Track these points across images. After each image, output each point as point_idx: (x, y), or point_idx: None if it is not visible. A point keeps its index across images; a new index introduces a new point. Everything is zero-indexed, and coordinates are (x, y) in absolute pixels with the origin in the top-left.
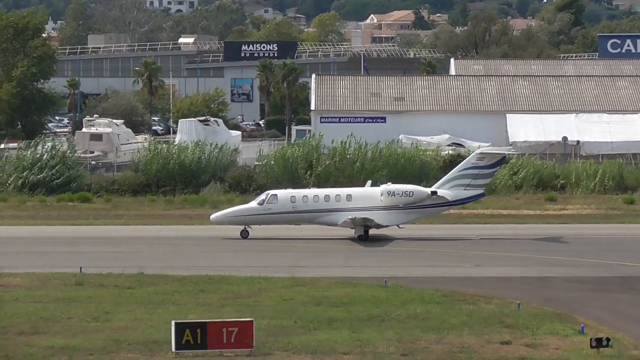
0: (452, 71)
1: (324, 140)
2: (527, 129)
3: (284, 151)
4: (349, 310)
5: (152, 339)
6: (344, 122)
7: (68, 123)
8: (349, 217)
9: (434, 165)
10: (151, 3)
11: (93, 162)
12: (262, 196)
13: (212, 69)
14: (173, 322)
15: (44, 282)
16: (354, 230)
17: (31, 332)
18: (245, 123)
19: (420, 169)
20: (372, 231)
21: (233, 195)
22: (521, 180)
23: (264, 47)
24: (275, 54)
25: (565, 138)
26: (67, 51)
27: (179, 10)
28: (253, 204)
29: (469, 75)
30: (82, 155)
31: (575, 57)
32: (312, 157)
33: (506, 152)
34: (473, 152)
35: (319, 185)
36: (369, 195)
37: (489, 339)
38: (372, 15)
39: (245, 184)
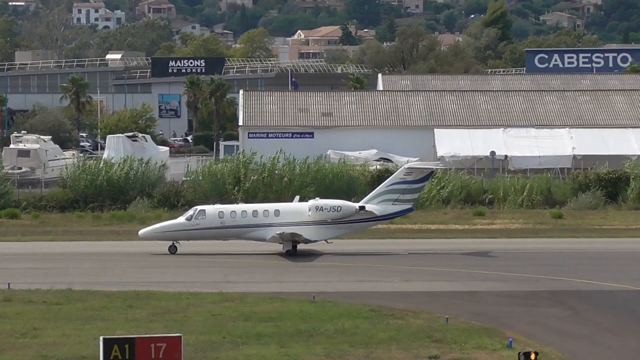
0: (380, 86)
1: (255, 156)
2: (455, 143)
3: (212, 167)
4: (277, 326)
5: (81, 355)
6: (272, 137)
7: None
8: (277, 232)
9: (362, 180)
10: (78, 20)
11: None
12: (190, 212)
13: (140, 85)
14: (101, 338)
15: None
16: (282, 245)
17: None
18: (173, 139)
19: (348, 184)
20: (300, 246)
21: (161, 210)
22: (449, 195)
23: (191, 62)
24: (203, 70)
25: (493, 153)
26: None
27: (106, 27)
28: (181, 219)
29: (397, 91)
30: (10, 171)
31: (503, 72)
32: (240, 172)
33: (434, 167)
34: (401, 167)
35: (247, 200)
36: (297, 211)
37: (417, 354)
38: (299, 31)
39: (174, 200)
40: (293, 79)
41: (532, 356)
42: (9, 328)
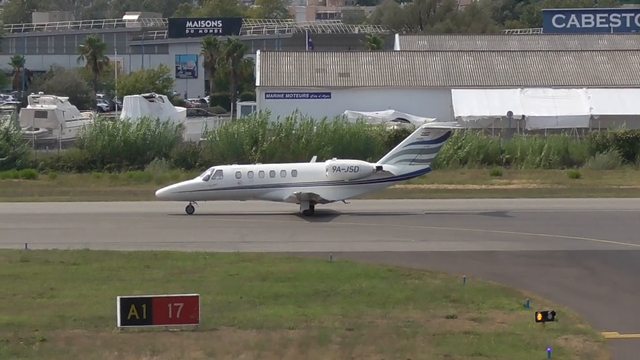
0: (397, 47)
1: (270, 116)
2: (472, 104)
3: (229, 127)
4: (294, 286)
5: (98, 315)
6: (289, 98)
7: (13, 100)
8: (295, 192)
9: (379, 141)
10: None
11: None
12: (208, 172)
13: (157, 45)
14: (118, 298)
15: None
16: (299, 205)
17: None
18: (190, 99)
19: (366, 144)
20: (317, 206)
21: (178, 171)
22: (466, 155)
23: (208, 23)
24: (220, 31)
25: (510, 113)
26: (11, 29)
27: None
28: (198, 179)
29: (414, 51)
30: (27, 132)
31: (520, 32)
32: (258, 133)
33: (451, 127)
34: (418, 127)
35: (264, 161)
36: (315, 171)
37: (435, 314)
38: None
39: (191, 160)
40: (310, 40)
41: (550, 316)
42: (27, 288)
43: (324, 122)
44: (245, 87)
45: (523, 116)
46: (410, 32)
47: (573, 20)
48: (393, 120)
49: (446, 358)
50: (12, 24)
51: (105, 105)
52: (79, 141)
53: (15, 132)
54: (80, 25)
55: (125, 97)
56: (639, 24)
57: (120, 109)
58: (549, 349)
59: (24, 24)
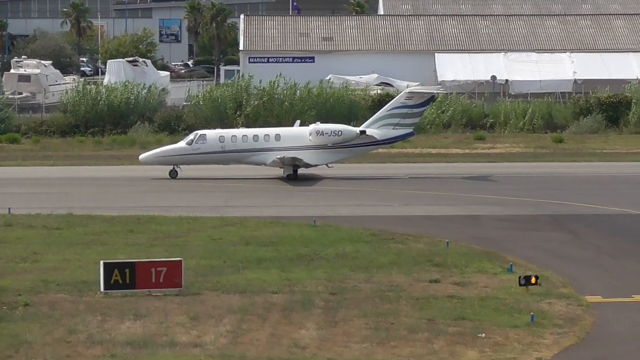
0: (381, 11)
1: (253, 80)
2: (456, 68)
3: (212, 91)
4: (278, 250)
5: (81, 279)
6: (272, 62)
7: None
8: (278, 156)
9: (363, 105)
10: None
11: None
12: (191, 136)
13: (141, 9)
14: (102, 262)
15: None
16: (282, 169)
17: None
18: (174, 64)
19: (349, 108)
20: (301, 171)
21: (162, 135)
22: (450, 119)
23: None
24: None
25: (494, 77)
26: None
27: None
28: (182, 144)
29: (398, 15)
30: (11, 96)
31: None
32: (241, 97)
33: (435, 92)
34: (402, 91)
35: (247, 125)
36: (298, 135)
37: (418, 278)
38: None
39: (174, 124)
40: (294, 3)
41: (533, 280)
42: (10, 253)
43: (307, 87)
44: (229, 52)
45: (507, 80)
46: None
47: None
48: (376, 85)
49: (429, 322)
50: None
51: (89, 69)
52: (63, 105)
53: None
54: None
55: (108, 61)
56: None
57: (103, 73)
58: (532, 315)
59: None
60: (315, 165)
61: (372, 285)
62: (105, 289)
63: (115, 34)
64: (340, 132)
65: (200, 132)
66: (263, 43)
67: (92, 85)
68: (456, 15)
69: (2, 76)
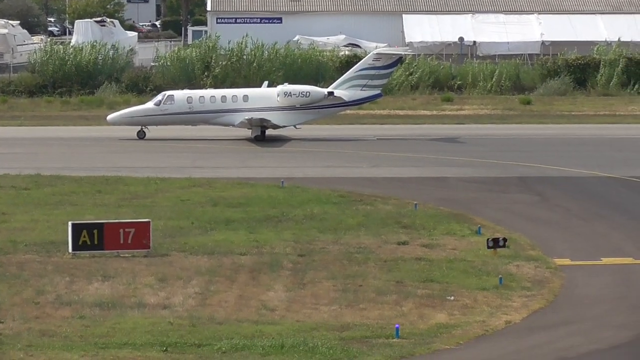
0: None
1: (221, 41)
2: (424, 29)
3: (180, 52)
4: (246, 211)
5: (49, 240)
6: (240, 22)
7: None
8: (246, 117)
9: (331, 66)
10: None
11: None
12: (159, 97)
13: None
14: (70, 223)
15: None
16: (250, 130)
17: None
18: (141, 24)
19: (317, 69)
20: (268, 132)
21: (130, 95)
22: (417, 81)
23: None
24: None
25: (461, 38)
26: None
27: None
28: (150, 104)
29: None
30: None
31: None
32: (209, 58)
33: (402, 53)
34: (369, 52)
35: (215, 86)
36: (266, 96)
37: (386, 240)
38: None
39: (142, 85)
40: None
41: (501, 242)
42: None
43: (275, 47)
44: (196, 12)
45: (474, 42)
46: None
47: None
48: (344, 46)
49: (398, 284)
50: None
51: (57, 29)
52: (30, 66)
53: None
54: None
55: (76, 21)
56: None
57: (71, 33)
58: (500, 278)
59: None
60: (283, 127)
61: (340, 247)
62: (73, 249)
63: None
64: (308, 93)
65: (168, 92)
66: (231, 4)
67: (60, 46)
68: None
69: None
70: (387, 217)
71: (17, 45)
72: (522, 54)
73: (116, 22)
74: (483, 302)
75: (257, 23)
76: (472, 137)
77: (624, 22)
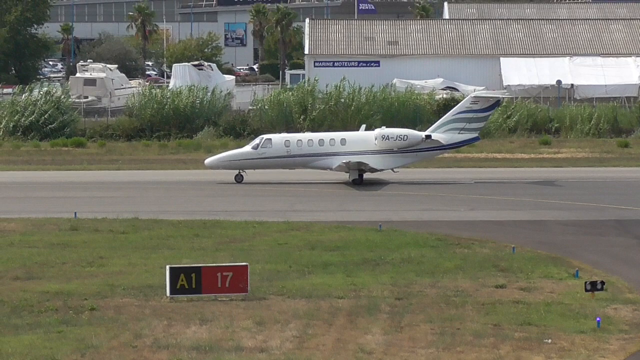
0: (446, 15)
1: (319, 84)
2: (521, 72)
3: (278, 95)
4: (343, 255)
5: (147, 284)
6: (338, 66)
7: (62, 68)
8: (344, 161)
9: (428, 109)
10: None
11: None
12: (257, 140)
13: (206, 13)
14: (167, 267)
15: (38, 227)
16: (348, 174)
17: (26, 277)
18: (239, 68)
19: (414, 112)
20: (366, 175)
21: (227, 139)
22: (515, 124)
23: None
24: None
25: (559, 81)
26: None
27: None
28: (247, 148)
29: (463, 19)
30: (76, 100)
31: (569, 0)
32: (307, 101)
33: (500, 96)
34: (467, 95)
35: (313, 129)
36: (364, 139)
37: (484, 283)
38: None
39: (240, 128)
40: (371, 5)
41: (599, 285)
42: (76, 257)
43: (372, 90)
44: (294, 56)
45: (572, 85)
46: (459, 0)
47: None
48: (442, 89)
49: (495, 327)
50: None
51: (154, 73)
52: (128, 109)
53: (65, 100)
54: None
55: (174, 65)
56: None
57: (169, 77)
58: (598, 319)
59: None
60: (381, 170)
61: (438, 290)
62: (171, 293)
63: (180, 37)
64: (405, 137)
65: (266, 136)
66: (328, 47)
67: (158, 89)
68: (521, 19)
69: (68, 80)
70: (485, 260)
71: (115, 89)
72: (619, 97)
73: (214, 65)
74: (580, 344)
75: (354, 67)
76: (570, 180)
77: None
